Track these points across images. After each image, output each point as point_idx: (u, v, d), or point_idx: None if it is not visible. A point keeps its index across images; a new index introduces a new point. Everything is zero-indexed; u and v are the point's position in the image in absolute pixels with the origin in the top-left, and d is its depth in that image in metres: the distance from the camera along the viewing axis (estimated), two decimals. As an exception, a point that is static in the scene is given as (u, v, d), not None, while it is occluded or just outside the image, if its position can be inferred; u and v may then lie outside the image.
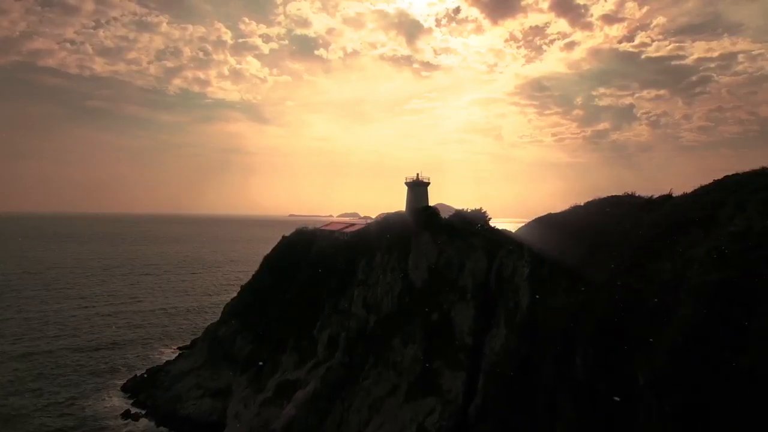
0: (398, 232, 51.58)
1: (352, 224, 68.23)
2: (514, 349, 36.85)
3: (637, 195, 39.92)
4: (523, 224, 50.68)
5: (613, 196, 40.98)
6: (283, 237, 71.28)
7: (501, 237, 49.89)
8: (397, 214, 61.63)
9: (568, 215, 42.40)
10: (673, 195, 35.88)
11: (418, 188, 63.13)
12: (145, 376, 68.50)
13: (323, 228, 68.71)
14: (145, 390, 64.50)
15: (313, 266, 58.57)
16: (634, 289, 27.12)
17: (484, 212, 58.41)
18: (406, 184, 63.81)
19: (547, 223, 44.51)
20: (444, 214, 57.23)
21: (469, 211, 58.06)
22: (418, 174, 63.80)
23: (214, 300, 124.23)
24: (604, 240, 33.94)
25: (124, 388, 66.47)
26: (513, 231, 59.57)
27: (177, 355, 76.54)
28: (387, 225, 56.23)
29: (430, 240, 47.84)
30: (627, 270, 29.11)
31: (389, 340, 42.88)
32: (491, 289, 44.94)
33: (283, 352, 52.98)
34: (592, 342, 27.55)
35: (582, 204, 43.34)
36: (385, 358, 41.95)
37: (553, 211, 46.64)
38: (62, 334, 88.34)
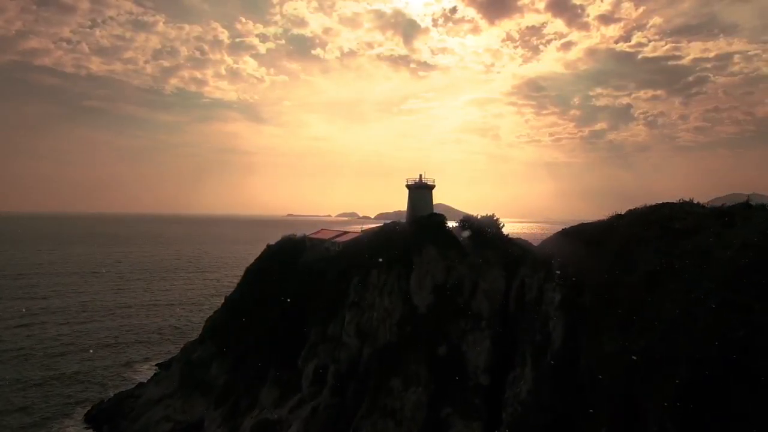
0: (398, 244, 43.49)
1: (345, 232, 60.00)
2: (547, 399, 28.93)
3: (697, 203, 31.90)
4: (548, 236, 42.67)
5: (664, 204, 32.91)
6: (268, 246, 63.13)
7: (521, 250, 41.96)
8: (396, 222, 53.25)
9: (606, 228, 34.38)
10: (752, 204, 27.96)
11: (421, 191, 54.63)
12: (113, 402, 60.58)
13: (312, 236, 60.60)
14: (111, 420, 56.78)
15: (299, 282, 50.53)
16: (733, 338, 19.19)
17: (497, 219, 50.49)
18: (408, 186, 55.24)
19: (578, 236, 36.51)
20: (446, 218, 49.25)
21: (479, 217, 50.16)
22: (421, 175, 55.21)
23: (203, 308, 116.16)
24: (667, 264, 25.93)
25: (88, 417, 58.74)
26: (528, 241, 51.46)
27: (150, 377, 68.49)
28: (385, 235, 48.11)
29: (436, 255, 39.91)
30: (712, 309, 21.14)
31: (387, 380, 34.90)
32: (511, 315, 37.08)
33: (263, 384, 45.01)
34: (672, 411, 19.64)
35: (623, 213, 35.26)
36: (382, 404, 33.94)
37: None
38: (35, 350, 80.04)
